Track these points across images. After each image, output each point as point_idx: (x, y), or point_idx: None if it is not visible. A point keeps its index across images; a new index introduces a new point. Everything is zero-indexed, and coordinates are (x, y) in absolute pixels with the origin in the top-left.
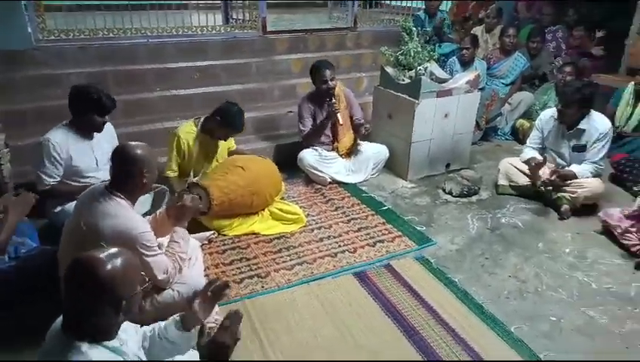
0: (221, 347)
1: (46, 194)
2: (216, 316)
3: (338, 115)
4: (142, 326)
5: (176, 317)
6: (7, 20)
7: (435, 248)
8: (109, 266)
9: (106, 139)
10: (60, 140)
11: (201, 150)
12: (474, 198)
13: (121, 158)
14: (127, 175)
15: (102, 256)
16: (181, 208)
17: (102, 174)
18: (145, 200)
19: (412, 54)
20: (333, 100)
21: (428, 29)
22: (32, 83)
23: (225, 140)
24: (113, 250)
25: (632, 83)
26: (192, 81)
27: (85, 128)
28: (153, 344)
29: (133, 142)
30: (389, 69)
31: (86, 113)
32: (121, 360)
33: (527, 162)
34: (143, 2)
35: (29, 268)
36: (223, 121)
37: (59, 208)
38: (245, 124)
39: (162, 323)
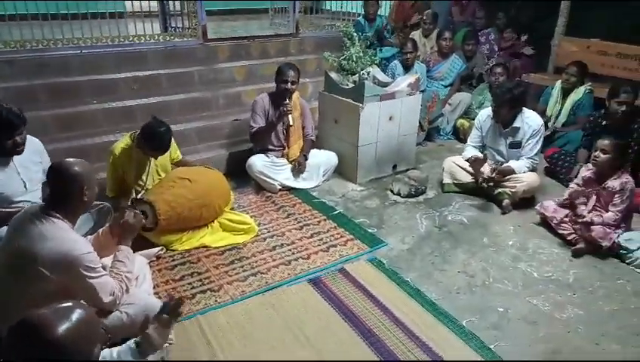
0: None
1: None
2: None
3: (290, 116)
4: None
5: (130, 344)
6: None
7: (386, 249)
8: (59, 330)
9: (32, 159)
10: None
11: (139, 165)
12: (421, 198)
13: (57, 176)
14: (65, 194)
15: (51, 317)
16: (124, 226)
17: (32, 196)
18: (86, 220)
19: (354, 59)
20: (288, 102)
21: (369, 33)
22: None
23: (155, 159)
24: (64, 305)
25: (559, 81)
26: (132, 92)
27: (0, 152)
28: None
29: (70, 159)
30: (333, 74)
31: None
32: None
33: (469, 160)
34: (74, 12)
35: None
36: (147, 142)
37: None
38: (189, 135)
39: (114, 351)
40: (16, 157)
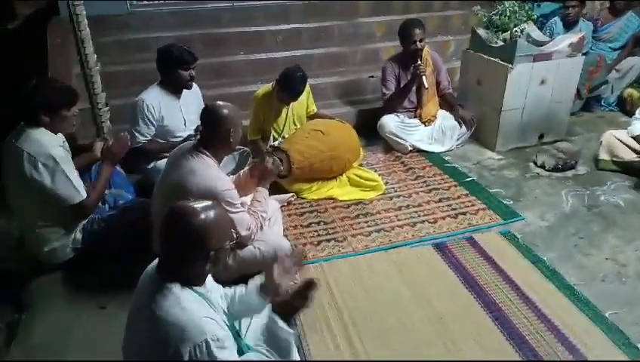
0: (293, 309)
1: (139, 151)
2: (295, 274)
3: (424, 78)
4: (224, 281)
5: (257, 282)
6: None
7: (522, 223)
8: (201, 217)
9: (193, 101)
10: (153, 101)
11: (277, 113)
12: (569, 173)
13: (209, 117)
14: (214, 134)
15: (196, 207)
16: (263, 170)
17: (189, 133)
18: (228, 161)
19: (508, 14)
20: (420, 62)
21: None
22: (125, 47)
23: (287, 105)
24: (207, 202)
25: None
26: (275, 45)
27: (174, 85)
28: (232, 303)
29: (221, 102)
30: (481, 31)
31: (172, 70)
32: (207, 304)
33: (637, 137)
34: None
35: (127, 217)
36: (281, 84)
37: (152, 164)
38: (326, 89)
39: (242, 288)
40: (183, 96)
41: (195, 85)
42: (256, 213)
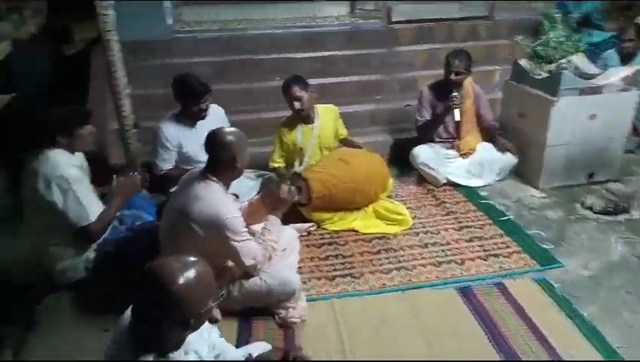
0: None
1: (161, 179)
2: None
3: (456, 111)
4: (222, 313)
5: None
6: (149, 12)
7: (561, 271)
8: (180, 281)
9: (213, 125)
10: (170, 128)
11: (303, 138)
12: (621, 217)
13: (213, 143)
14: (219, 160)
15: (175, 268)
16: (277, 198)
17: None
18: (250, 189)
19: (553, 45)
20: (455, 93)
21: (575, 15)
22: (165, 71)
23: (310, 127)
24: (188, 261)
25: None
26: (311, 72)
27: (188, 116)
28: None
29: (226, 128)
30: (523, 62)
31: (184, 101)
32: None
33: None
34: None
35: (138, 240)
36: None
37: (175, 188)
38: (361, 117)
39: (231, 352)
40: (200, 122)
41: (215, 107)
42: (265, 242)
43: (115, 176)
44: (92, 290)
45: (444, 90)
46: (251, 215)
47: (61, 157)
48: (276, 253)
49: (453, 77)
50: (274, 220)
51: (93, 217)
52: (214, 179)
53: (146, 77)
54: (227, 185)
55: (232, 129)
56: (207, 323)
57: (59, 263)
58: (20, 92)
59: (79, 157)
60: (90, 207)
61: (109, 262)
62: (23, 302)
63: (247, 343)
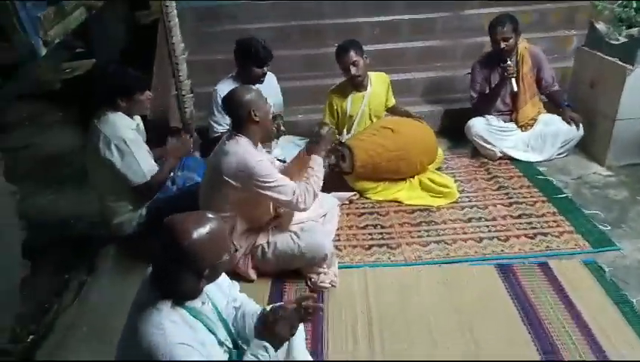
0: (278, 338)
1: (214, 142)
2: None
3: (513, 81)
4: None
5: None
6: None
7: (616, 255)
8: (193, 235)
9: (268, 92)
10: (226, 92)
11: (352, 105)
12: None
13: (230, 104)
14: (238, 117)
15: (189, 222)
16: (319, 138)
17: None
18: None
19: (637, 6)
20: (508, 63)
21: None
22: (227, 36)
23: (361, 95)
24: (203, 216)
25: None
26: (372, 37)
27: (247, 80)
28: (235, 318)
29: (238, 87)
30: (600, 25)
31: (247, 65)
32: (199, 325)
33: None
34: None
35: (188, 199)
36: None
37: None
38: (416, 85)
39: (252, 306)
40: (257, 86)
41: (270, 75)
42: (308, 178)
43: (168, 138)
44: (142, 244)
45: (496, 61)
46: (300, 167)
47: (120, 120)
48: (318, 188)
49: (501, 44)
50: (315, 158)
51: (148, 176)
52: (241, 135)
53: (208, 43)
54: (256, 142)
55: (245, 86)
56: (228, 279)
57: (116, 217)
58: (96, 58)
59: (137, 120)
60: (146, 167)
61: (158, 218)
62: (87, 251)
63: None
